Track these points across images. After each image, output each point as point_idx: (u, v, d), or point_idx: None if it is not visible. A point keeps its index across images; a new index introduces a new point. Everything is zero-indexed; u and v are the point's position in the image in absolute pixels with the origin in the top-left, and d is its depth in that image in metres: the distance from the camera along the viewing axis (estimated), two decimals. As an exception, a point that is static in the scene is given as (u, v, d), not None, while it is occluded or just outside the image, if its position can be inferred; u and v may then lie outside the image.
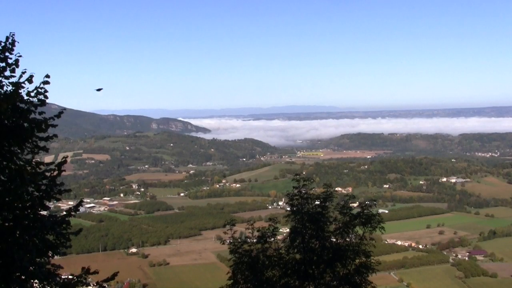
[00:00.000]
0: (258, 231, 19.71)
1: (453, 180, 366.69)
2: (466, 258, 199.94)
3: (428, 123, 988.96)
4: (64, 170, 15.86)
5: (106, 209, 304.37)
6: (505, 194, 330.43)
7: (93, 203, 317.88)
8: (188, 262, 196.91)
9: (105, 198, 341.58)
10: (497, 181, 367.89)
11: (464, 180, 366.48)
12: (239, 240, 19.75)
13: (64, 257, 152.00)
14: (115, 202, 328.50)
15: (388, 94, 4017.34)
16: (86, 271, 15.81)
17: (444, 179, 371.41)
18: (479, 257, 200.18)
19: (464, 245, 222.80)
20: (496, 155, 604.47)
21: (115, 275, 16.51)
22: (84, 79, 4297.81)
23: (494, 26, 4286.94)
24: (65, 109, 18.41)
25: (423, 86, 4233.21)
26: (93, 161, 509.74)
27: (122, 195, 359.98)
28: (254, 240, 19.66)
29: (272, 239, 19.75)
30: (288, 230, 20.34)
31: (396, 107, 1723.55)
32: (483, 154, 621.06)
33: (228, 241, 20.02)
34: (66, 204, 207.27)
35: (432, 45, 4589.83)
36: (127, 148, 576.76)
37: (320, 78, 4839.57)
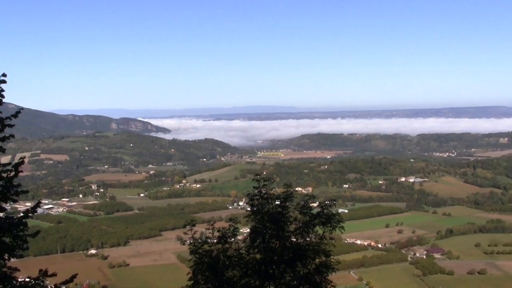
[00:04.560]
0: (218, 231, 19.68)
1: (412, 180, 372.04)
2: (424, 257, 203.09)
3: (387, 124, 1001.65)
4: (21, 171, 15.65)
5: (64, 210, 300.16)
6: (462, 193, 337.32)
7: (52, 204, 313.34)
8: (148, 263, 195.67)
9: (63, 199, 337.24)
10: (454, 180, 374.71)
11: (422, 179, 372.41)
12: (200, 240, 19.68)
13: (21, 260, 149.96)
14: (74, 203, 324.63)
15: (348, 95, 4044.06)
16: (44, 274, 15.61)
17: (403, 179, 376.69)
18: (437, 255, 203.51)
19: (422, 244, 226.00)
20: (453, 155, 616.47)
21: (73, 277, 16.35)
22: (42, 78, 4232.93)
23: (450, 29, 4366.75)
24: (22, 108, 18.16)
25: (382, 87, 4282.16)
26: (51, 162, 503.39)
27: (81, 196, 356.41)
28: (215, 241, 19.61)
29: (233, 239, 19.72)
30: (248, 230, 20.33)
31: (355, 107, 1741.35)
32: (440, 154, 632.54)
33: (188, 241, 19.92)
34: (23, 206, 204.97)
35: (388, 46, 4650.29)
36: (86, 149, 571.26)
37: (280, 78, 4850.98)
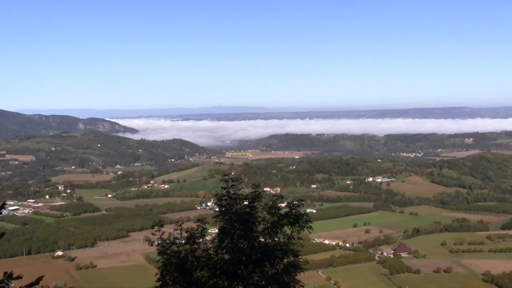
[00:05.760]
0: (186, 232, 19.62)
1: (379, 180, 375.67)
2: (391, 256, 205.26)
3: (355, 124, 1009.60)
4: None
5: (30, 211, 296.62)
6: (428, 193, 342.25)
7: (17, 205, 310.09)
8: (116, 264, 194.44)
9: (29, 200, 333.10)
10: (421, 180, 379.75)
11: (390, 179, 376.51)
12: (168, 241, 19.61)
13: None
14: (40, 204, 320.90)
15: (316, 95, 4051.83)
16: (9, 276, 15.37)
17: (370, 179, 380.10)
18: (404, 254, 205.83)
19: (390, 243, 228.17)
20: (419, 155, 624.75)
21: (39, 279, 16.13)
22: (7, 77, 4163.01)
23: (417, 31, 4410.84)
24: (-14, 108, 17.88)
25: (350, 88, 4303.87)
26: (17, 162, 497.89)
27: (47, 197, 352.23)
28: (183, 241, 19.56)
29: (201, 240, 19.68)
30: (216, 230, 20.31)
31: (324, 108, 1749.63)
32: (407, 154, 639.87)
33: (156, 242, 19.85)
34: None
35: (356, 46, 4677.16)
36: (53, 149, 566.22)
37: (248, 78, 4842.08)
